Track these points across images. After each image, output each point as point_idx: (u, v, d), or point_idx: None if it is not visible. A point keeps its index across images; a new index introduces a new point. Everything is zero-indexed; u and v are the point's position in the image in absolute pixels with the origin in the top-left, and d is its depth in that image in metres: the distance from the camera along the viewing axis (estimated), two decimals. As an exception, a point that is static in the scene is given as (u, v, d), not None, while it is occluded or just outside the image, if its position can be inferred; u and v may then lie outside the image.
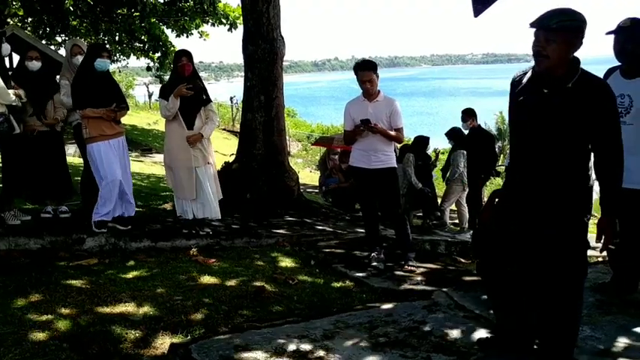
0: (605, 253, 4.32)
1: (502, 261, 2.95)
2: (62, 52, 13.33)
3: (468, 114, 8.65)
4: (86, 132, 5.48)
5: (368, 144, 5.06)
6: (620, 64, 3.74)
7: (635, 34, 3.55)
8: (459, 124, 8.98)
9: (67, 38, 15.43)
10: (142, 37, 15.95)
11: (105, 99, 5.49)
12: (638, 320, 3.58)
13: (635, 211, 3.65)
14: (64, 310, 3.76)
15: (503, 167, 12.15)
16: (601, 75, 3.90)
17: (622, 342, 3.31)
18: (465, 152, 8.73)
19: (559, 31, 2.63)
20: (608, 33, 3.63)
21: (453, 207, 9.42)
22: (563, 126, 2.71)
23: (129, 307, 3.85)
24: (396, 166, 5.26)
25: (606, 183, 2.83)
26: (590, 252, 5.88)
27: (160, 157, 13.84)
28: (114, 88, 5.72)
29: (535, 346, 3.10)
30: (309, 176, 17.32)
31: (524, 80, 2.90)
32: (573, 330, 2.90)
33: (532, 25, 2.69)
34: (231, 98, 28.31)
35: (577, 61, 2.73)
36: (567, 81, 2.70)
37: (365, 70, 4.98)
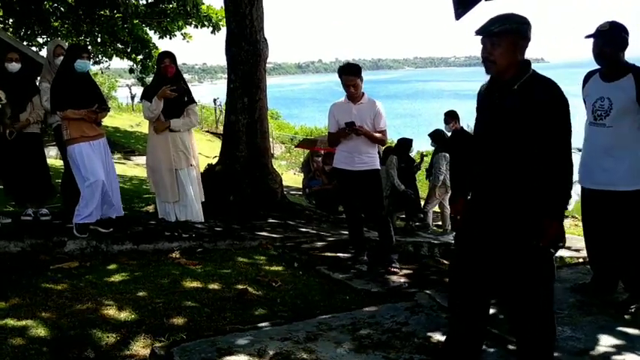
0: (585, 254, 4.37)
1: (468, 263, 2.96)
2: (43, 53, 13.19)
3: (451, 116, 8.70)
4: (67, 133, 5.41)
5: (352, 146, 5.07)
6: (599, 67, 3.78)
7: (613, 37, 3.60)
8: (442, 126, 9.03)
9: (48, 39, 15.27)
10: (125, 39, 15.84)
11: (86, 100, 5.43)
12: (618, 321, 3.62)
13: (615, 212, 3.70)
14: (45, 314, 3.71)
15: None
16: (581, 78, 3.97)
17: (602, 342, 3.35)
18: (448, 155, 8.78)
19: (502, 36, 2.70)
20: (588, 36, 3.68)
21: (436, 209, 9.47)
22: (513, 128, 2.74)
23: (110, 311, 3.82)
24: (379, 167, 5.28)
25: (553, 185, 2.75)
26: (570, 253, 5.97)
27: (142, 160, 13.74)
28: (94, 89, 5.67)
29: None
30: (292, 178, 17.30)
31: (484, 87, 2.97)
32: (549, 333, 2.90)
33: (477, 32, 2.76)
34: (214, 100, 28.20)
35: (527, 63, 2.78)
36: (515, 83, 2.75)
37: (349, 74, 4.99)
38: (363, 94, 5.09)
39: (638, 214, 3.69)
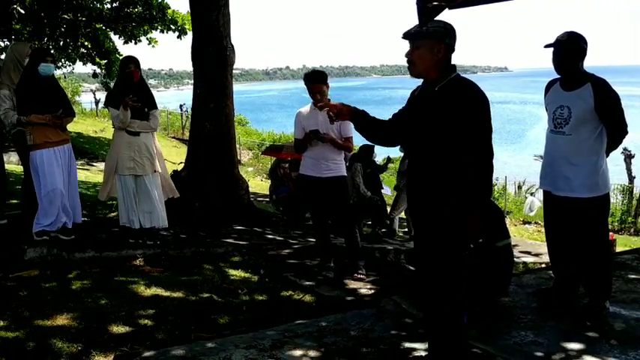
0: (547, 259, 4.45)
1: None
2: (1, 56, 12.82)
3: None
4: (30, 139, 5.28)
5: (318, 152, 5.06)
6: (559, 76, 3.86)
7: (572, 47, 3.68)
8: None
9: (8, 42, 14.90)
10: (86, 43, 15.55)
11: (50, 104, 5.33)
12: (580, 325, 3.69)
13: (575, 217, 3.77)
14: (2, 324, 3.62)
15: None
16: (542, 86, 4.05)
17: (564, 346, 3.40)
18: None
19: (419, 39, 2.86)
20: (547, 46, 3.75)
21: (402, 215, 9.53)
22: (434, 128, 2.87)
23: (71, 320, 3.73)
24: (345, 174, 5.28)
25: (474, 182, 2.85)
26: (532, 259, 6.06)
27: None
28: (59, 93, 5.54)
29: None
30: (259, 185, 17.22)
31: (417, 89, 3.09)
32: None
33: (402, 36, 2.91)
34: (180, 106, 27.90)
35: (451, 68, 2.91)
36: (436, 85, 2.89)
37: (315, 82, 4.99)
38: (329, 101, 5.09)
39: (596, 220, 3.78)
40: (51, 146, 5.33)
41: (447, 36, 2.84)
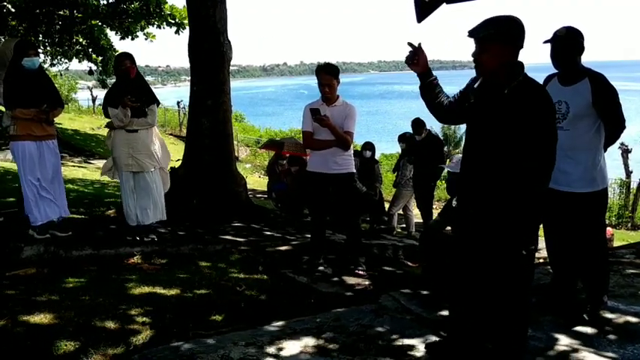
0: (545, 254, 4.44)
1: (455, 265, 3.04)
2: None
3: (421, 126, 8.72)
4: (14, 129, 5.30)
5: (326, 149, 5.00)
6: (557, 71, 3.85)
7: (570, 42, 3.67)
8: (406, 124, 9.05)
9: (3, 39, 14.85)
10: (81, 40, 15.50)
11: (35, 98, 5.31)
12: (577, 320, 3.69)
13: (573, 212, 3.76)
14: (-1, 323, 3.60)
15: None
16: (540, 81, 4.03)
17: (562, 341, 3.41)
18: (413, 158, 8.82)
19: (487, 41, 2.78)
20: (546, 42, 3.74)
21: (400, 212, 9.53)
22: (501, 131, 2.81)
23: (68, 318, 3.71)
24: (354, 171, 5.21)
25: (530, 188, 2.83)
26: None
27: (103, 163, 13.47)
28: (45, 86, 5.49)
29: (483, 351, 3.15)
30: (257, 181, 17.19)
31: (477, 85, 3.00)
32: (520, 334, 2.98)
33: (468, 35, 2.82)
34: (178, 103, 27.81)
35: (519, 66, 2.84)
36: (505, 87, 2.81)
37: (326, 73, 4.95)
38: (338, 97, 5.04)
39: (594, 215, 3.77)
40: (34, 139, 5.34)
41: (517, 36, 2.78)
